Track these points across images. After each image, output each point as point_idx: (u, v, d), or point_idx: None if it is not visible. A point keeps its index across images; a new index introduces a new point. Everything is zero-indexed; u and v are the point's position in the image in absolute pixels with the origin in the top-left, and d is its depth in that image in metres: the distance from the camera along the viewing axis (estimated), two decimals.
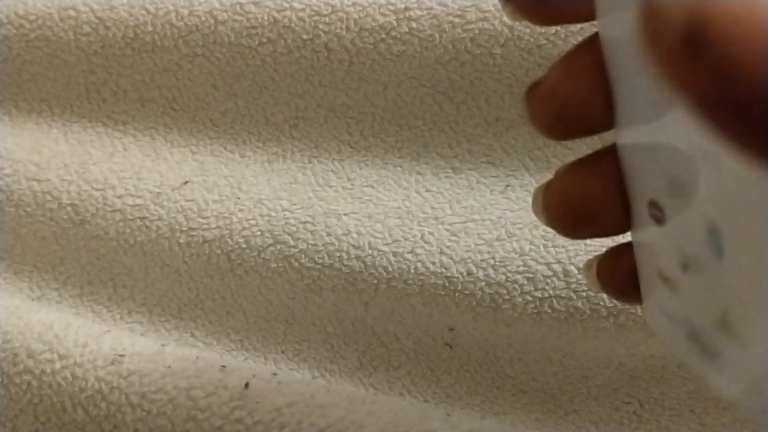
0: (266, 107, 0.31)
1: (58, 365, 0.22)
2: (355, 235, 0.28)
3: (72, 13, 0.30)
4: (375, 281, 0.28)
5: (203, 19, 0.30)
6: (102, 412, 0.21)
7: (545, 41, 0.30)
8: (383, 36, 0.30)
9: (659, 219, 0.17)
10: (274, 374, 0.21)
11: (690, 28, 0.10)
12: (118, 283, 0.29)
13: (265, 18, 0.30)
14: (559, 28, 0.30)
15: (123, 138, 0.31)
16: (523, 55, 0.30)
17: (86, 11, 0.30)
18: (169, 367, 0.21)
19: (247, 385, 0.20)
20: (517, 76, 0.30)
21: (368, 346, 0.29)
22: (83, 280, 0.29)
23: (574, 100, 0.17)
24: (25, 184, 0.29)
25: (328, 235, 0.28)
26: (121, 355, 0.22)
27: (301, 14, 0.30)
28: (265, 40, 0.30)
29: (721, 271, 0.15)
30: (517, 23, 0.30)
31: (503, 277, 0.27)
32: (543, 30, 0.30)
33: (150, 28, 0.30)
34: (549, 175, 0.30)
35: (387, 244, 0.28)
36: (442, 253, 0.28)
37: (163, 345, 0.23)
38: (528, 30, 0.30)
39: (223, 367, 0.21)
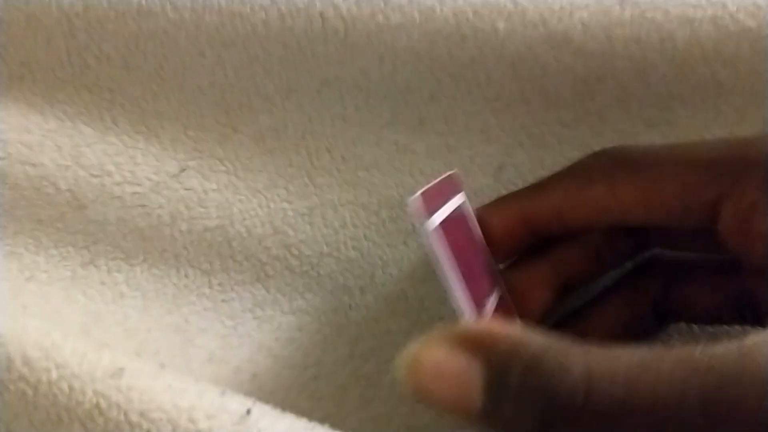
0: (256, 77, 0.29)
1: (54, 375, 0.22)
2: (351, 228, 0.28)
3: None
4: (371, 268, 0.29)
5: None
6: (99, 428, 0.21)
7: (550, 16, 0.28)
8: (381, 5, 0.28)
9: None
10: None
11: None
12: (113, 267, 0.29)
13: None
14: (564, 4, 0.28)
15: (112, 109, 0.30)
16: (526, 31, 0.28)
17: None
18: (170, 386, 0.22)
19: (248, 411, 0.21)
20: (520, 53, 0.29)
21: (360, 335, 0.30)
22: (76, 264, 0.29)
23: None
24: (19, 168, 0.28)
25: (326, 227, 0.29)
26: (120, 369, 0.22)
27: None
28: (257, 6, 0.28)
29: None
30: None
31: None
32: (548, 5, 0.28)
33: None
34: (542, 153, 0.30)
35: (382, 236, 0.29)
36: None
37: (162, 365, 0.23)
38: (532, 5, 0.28)
39: (223, 392, 0.22)
